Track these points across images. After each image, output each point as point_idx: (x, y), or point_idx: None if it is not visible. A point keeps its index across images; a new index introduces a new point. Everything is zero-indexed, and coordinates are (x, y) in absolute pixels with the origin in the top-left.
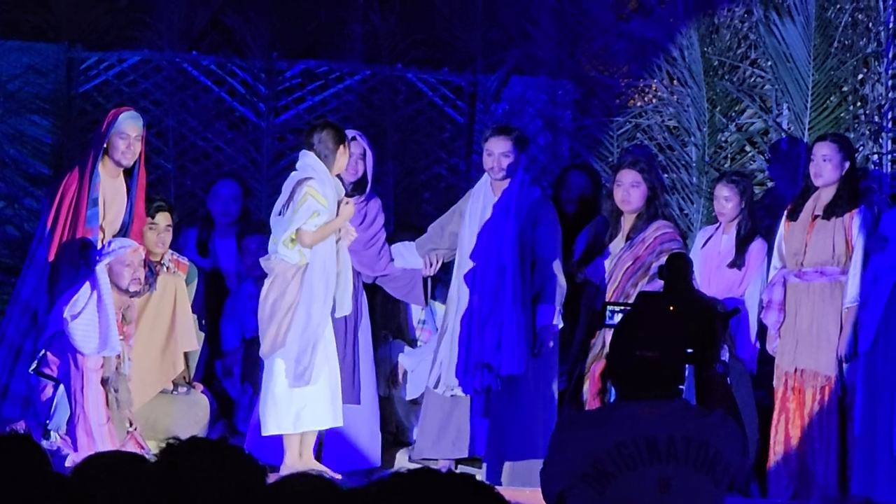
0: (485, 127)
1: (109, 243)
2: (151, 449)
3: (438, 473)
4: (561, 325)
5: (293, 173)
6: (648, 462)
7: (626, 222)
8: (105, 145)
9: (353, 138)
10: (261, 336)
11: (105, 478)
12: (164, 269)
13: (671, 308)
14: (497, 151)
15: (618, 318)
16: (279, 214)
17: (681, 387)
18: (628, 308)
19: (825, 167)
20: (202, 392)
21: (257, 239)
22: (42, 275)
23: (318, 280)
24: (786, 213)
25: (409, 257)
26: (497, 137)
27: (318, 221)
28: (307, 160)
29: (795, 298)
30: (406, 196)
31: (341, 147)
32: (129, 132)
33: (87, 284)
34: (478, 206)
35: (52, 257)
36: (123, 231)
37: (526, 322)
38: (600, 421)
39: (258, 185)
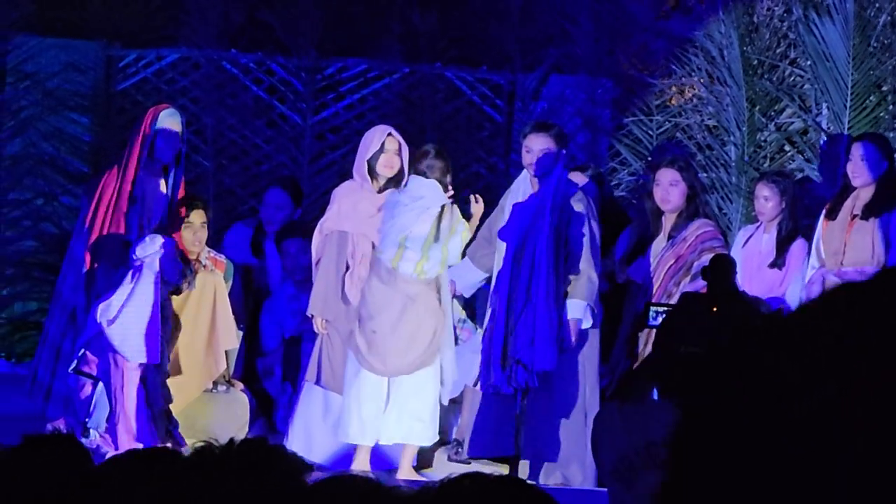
0: (523, 126)
1: (151, 241)
2: (190, 447)
3: (488, 477)
4: (590, 324)
5: (421, 201)
6: None
7: (667, 221)
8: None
9: (389, 134)
10: (416, 353)
11: (139, 473)
12: (203, 266)
13: (714, 309)
14: (536, 148)
15: (661, 319)
16: (436, 241)
17: None
18: (671, 308)
19: (863, 167)
20: (241, 390)
21: (297, 242)
22: (80, 273)
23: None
24: (824, 212)
25: (469, 274)
26: (535, 134)
27: (468, 236)
28: (433, 187)
29: None
30: None
31: (448, 174)
32: (169, 127)
33: (123, 287)
34: (518, 199)
35: (89, 255)
36: (161, 228)
37: (560, 319)
38: (636, 418)
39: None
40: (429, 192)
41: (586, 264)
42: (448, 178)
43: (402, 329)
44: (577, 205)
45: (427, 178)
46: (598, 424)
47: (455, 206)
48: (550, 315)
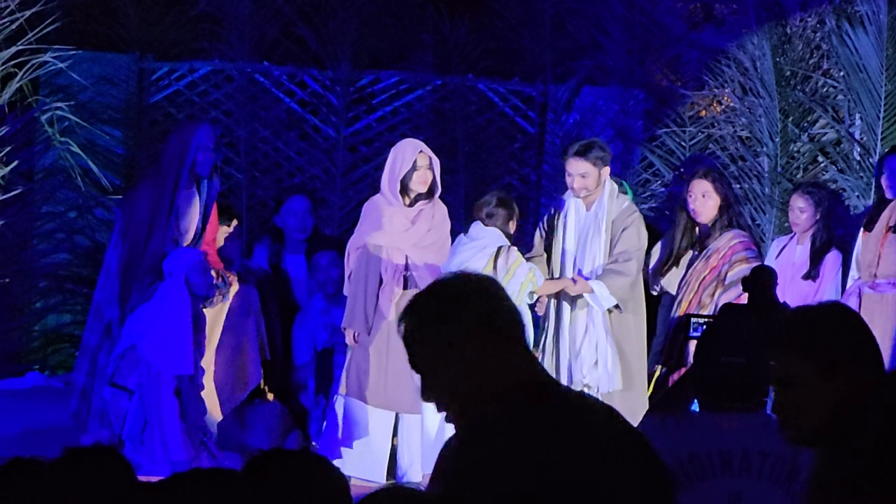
0: (555, 137)
1: (180, 253)
2: (225, 459)
3: None
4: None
5: (475, 242)
6: (720, 475)
7: (701, 232)
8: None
9: (420, 151)
10: None
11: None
12: (236, 276)
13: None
14: (575, 173)
15: (702, 330)
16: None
17: (765, 399)
18: (712, 319)
19: None
20: (274, 402)
21: (328, 255)
22: (115, 286)
23: None
24: (863, 223)
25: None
26: (574, 159)
27: (540, 277)
28: (492, 233)
29: (869, 309)
30: None
31: (511, 222)
32: (207, 144)
33: (156, 299)
34: (571, 219)
35: (124, 268)
36: (196, 240)
37: (617, 336)
38: (678, 430)
39: (331, 195)
40: (487, 236)
41: (632, 267)
42: (511, 226)
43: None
44: (629, 219)
45: (487, 225)
46: None
47: (514, 248)
48: (609, 334)
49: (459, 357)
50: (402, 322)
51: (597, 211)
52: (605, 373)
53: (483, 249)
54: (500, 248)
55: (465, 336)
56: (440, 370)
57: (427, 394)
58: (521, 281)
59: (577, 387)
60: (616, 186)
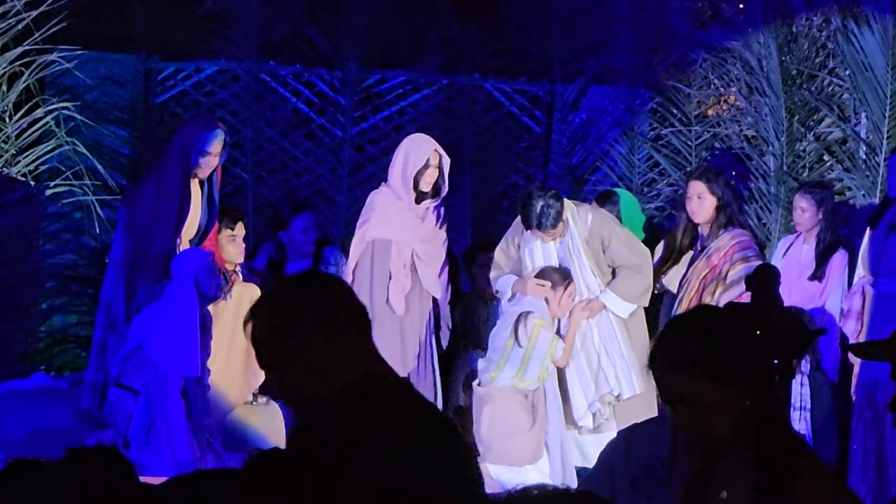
0: (562, 137)
1: (188, 254)
2: (230, 459)
3: (556, 490)
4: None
5: (513, 308)
6: None
7: (701, 232)
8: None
9: (435, 149)
10: (501, 452)
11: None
12: (239, 277)
13: (757, 332)
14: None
15: None
16: (518, 346)
17: None
18: None
19: None
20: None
21: (334, 250)
22: (120, 285)
23: (553, 394)
24: (869, 221)
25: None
26: (529, 233)
27: (560, 346)
28: (525, 300)
29: (872, 307)
30: (483, 205)
31: (556, 289)
32: (213, 151)
33: (163, 300)
34: (538, 258)
35: (130, 268)
36: (199, 238)
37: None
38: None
39: (338, 195)
40: (520, 303)
41: (634, 258)
42: (553, 294)
43: (482, 423)
44: (603, 228)
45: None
46: (619, 436)
47: (531, 315)
48: (619, 343)
49: (309, 355)
50: (250, 321)
51: (568, 244)
52: (627, 380)
53: (510, 316)
54: (520, 315)
55: (314, 334)
56: (290, 368)
57: (279, 392)
58: (544, 355)
59: (606, 399)
60: (574, 206)
